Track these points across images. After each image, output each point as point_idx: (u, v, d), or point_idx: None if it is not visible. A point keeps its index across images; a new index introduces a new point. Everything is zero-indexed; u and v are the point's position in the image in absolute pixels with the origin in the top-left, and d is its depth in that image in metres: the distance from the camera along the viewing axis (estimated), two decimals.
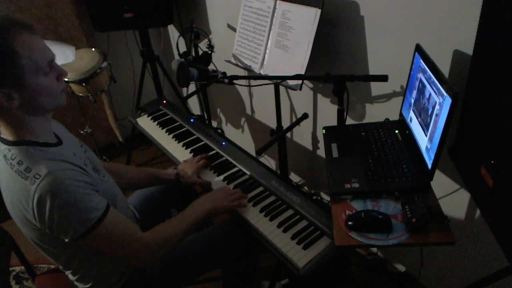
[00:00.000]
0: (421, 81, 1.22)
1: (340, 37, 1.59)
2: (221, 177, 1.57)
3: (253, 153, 1.73)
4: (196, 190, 1.81)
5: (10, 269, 1.98)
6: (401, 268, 1.88)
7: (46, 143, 1.04)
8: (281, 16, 1.59)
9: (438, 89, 1.08)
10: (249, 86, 2.15)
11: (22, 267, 1.87)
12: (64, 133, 1.19)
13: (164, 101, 2.16)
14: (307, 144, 2.08)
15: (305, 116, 1.58)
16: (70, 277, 1.23)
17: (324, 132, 1.46)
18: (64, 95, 1.06)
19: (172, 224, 1.22)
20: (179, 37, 2.05)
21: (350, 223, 1.08)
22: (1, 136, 1.03)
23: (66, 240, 1.00)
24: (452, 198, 1.43)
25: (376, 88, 1.56)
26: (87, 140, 1.30)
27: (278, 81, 1.56)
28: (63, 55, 2.14)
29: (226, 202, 1.35)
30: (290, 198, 1.42)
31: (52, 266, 2.03)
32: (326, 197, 2.13)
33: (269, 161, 2.47)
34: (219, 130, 1.94)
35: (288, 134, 2.18)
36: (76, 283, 1.24)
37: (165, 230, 1.19)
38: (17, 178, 0.97)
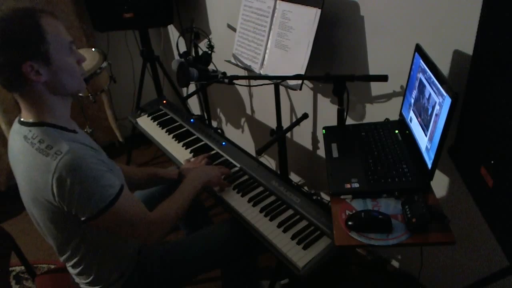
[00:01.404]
0: (421, 81, 1.22)
1: (340, 37, 1.59)
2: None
3: (253, 153, 1.73)
4: None
5: (10, 269, 1.98)
6: (401, 268, 1.88)
7: (65, 127, 1.08)
8: (281, 16, 1.59)
9: (438, 89, 1.08)
10: (249, 86, 2.15)
11: (22, 267, 1.87)
12: (78, 129, 1.21)
13: (164, 101, 2.16)
14: (307, 144, 2.08)
15: (305, 116, 1.58)
16: (70, 270, 1.24)
17: (324, 132, 1.46)
18: (83, 80, 1.12)
19: (174, 201, 1.26)
20: (179, 37, 2.05)
21: (350, 223, 1.08)
22: (22, 119, 1.08)
23: (83, 218, 1.02)
24: (452, 198, 1.43)
25: (376, 88, 1.56)
26: None
27: (278, 81, 1.56)
28: None
29: (216, 179, 1.46)
30: (290, 198, 1.42)
31: (52, 266, 2.03)
32: (326, 197, 2.13)
33: (269, 161, 2.47)
34: (219, 130, 1.94)
35: (288, 134, 2.18)
36: (75, 277, 1.24)
37: (169, 208, 1.23)
38: (37, 156, 1.00)
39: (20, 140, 1.06)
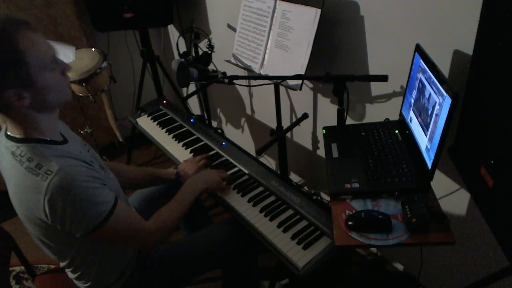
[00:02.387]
0: (421, 81, 1.22)
1: (340, 37, 1.59)
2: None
3: (253, 153, 1.73)
4: None
5: (10, 269, 1.98)
6: (401, 268, 1.88)
7: (53, 140, 1.05)
8: (281, 16, 1.59)
9: (438, 89, 1.08)
10: (249, 86, 2.15)
11: (22, 267, 1.87)
12: (69, 133, 1.20)
13: (164, 101, 2.16)
14: (307, 144, 2.08)
15: (305, 116, 1.58)
16: (70, 275, 1.23)
17: (324, 132, 1.46)
18: (69, 89, 1.08)
19: (171, 208, 1.26)
20: (179, 37, 2.05)
21: (350, 223, 1.08)
22: (8, 133, 1.04)
23: (78, 235, 1.01)
24: (452, 198, 1.43)
25: (376, 88, 1.56)
26: (87, 140, 1.31)
27: (278, 81, 1.56)
28: (63, 55, 2.14)
29: (217, 184, 1.45)
30: (290, 198, 1.42)
31: (52, 266, 2.03)
32: (326, 197, 2.13)
33: (269, 161, 2.47)
34: (219, 130, 1.94)
35: (288, 134, 2.18)
36: (75, 281, 1.24)
37: (166, 216, 1.23)
38: (27, 175, 0.97)
39: (8, 156, 1.02)
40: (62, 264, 1.21)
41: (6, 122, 1.03)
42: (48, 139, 1.04)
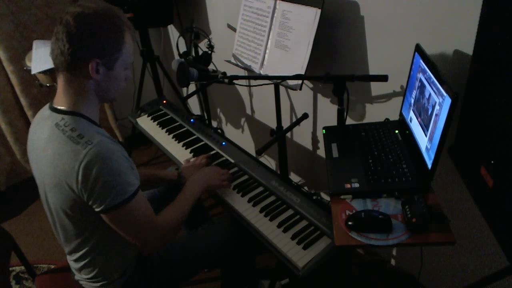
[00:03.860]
0: (421, 81, 1.22)
1: (340, 37, 1.59)
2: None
3: (253, 153, 1.73)
4: None
5: (10, 269, 1.98)
6: (400, 267, 1.88)
7: (94, 122, 1.13)
8: (281, 16, 1.59)
9: (437, 89, 1.08)
10: (249, 86, 2.15)
11: (22, 267, 1.88)
12: None
13: (164, 101, 2.17)
14: (307, 144, 2.08)
15: (305, 116, 1.58)
16: (73, 264, 1.24)
17: (324, 132, 1.46)
18: (120, 95, 1.18)
19: (175, 208, 1.27)
20: (179, 37, 2.05)
21: (350, 223, 1.08)
22: (54, 106, 1.11)
23: (98, 209, 1.04)
24: (452, 198, 1.43)
25: (376, 88, 1.56)
26: None
27: (278, 81, 1.56)
28: None
29: (218, 182, 1.46)
30: (290, 198, 1.42)
31: (52, 266, 2.03)
32: (326, 197, 2.13)
33: (269, 161, 2.47)
34: (219, 130, 1.94)
35: (288, 134, 2.18)
36: (76, 272, 1.24)
37: (172, 215, 1.24)
38: (68, 143, 1.03)
39: (50, 127, 1.08)
40: (67, 250, 1.21)
41: (59, 92, 1.09)
42: (92, 118, 1.11)
